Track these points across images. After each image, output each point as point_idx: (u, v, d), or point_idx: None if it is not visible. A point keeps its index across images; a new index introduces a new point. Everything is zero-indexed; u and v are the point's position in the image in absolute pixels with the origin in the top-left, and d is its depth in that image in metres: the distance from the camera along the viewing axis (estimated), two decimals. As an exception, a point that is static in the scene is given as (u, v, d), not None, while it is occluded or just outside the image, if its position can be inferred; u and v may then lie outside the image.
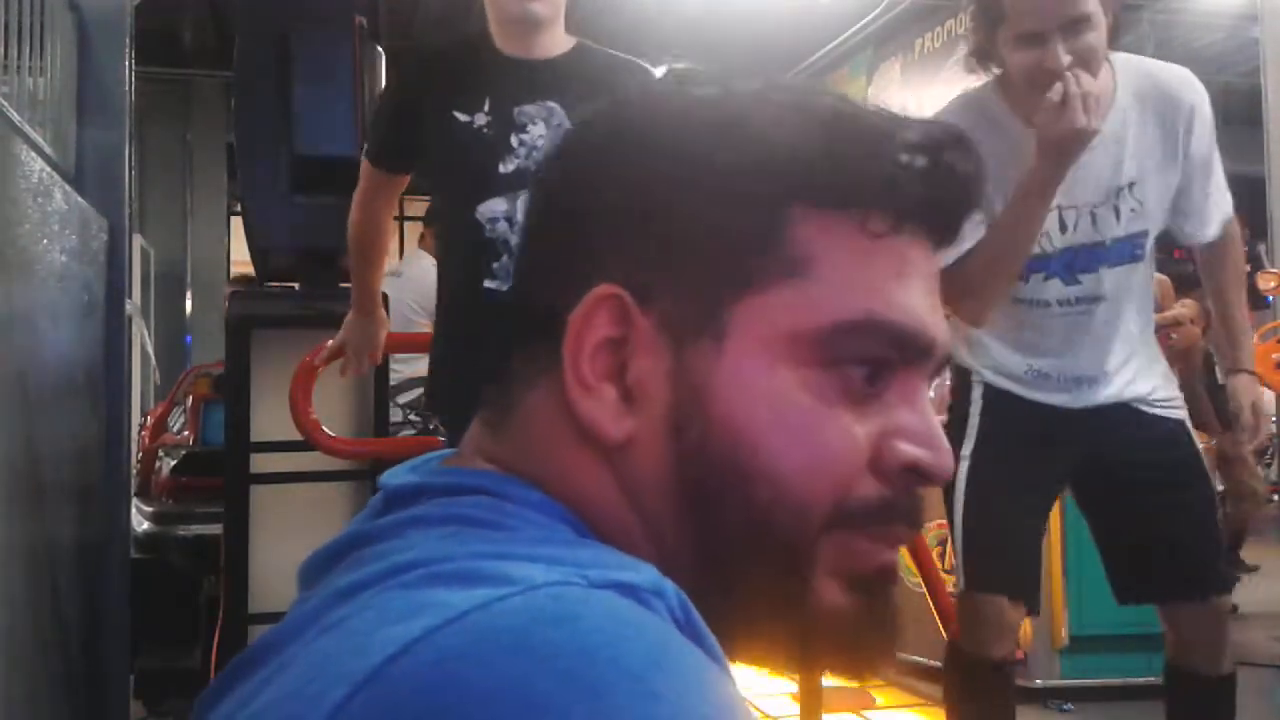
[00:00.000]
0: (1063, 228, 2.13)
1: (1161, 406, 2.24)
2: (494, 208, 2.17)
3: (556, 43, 2.25)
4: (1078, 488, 2.32)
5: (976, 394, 2.26)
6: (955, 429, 2.23)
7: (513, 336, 0.60)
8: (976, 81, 2.22)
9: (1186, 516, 2.22)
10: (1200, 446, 2.32)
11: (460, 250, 2.23)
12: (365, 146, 2.40)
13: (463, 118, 2.19)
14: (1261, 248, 5.68)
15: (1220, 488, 5.48)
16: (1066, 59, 1.96)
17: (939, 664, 2.47)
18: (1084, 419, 2.21)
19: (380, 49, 3.40)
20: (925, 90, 6.45)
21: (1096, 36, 1.99)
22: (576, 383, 0.55)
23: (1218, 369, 5.63)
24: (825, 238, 0.55)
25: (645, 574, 0.48)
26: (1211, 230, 2.23)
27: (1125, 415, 2.21)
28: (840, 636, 0.56)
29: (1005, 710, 2.31)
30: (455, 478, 0.57)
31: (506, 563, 0.47)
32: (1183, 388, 2.37)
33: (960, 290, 2.07)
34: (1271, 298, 5.38)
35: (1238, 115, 8.41)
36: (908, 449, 0.56)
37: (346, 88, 3.16)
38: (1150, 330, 2.30)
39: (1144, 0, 8.02)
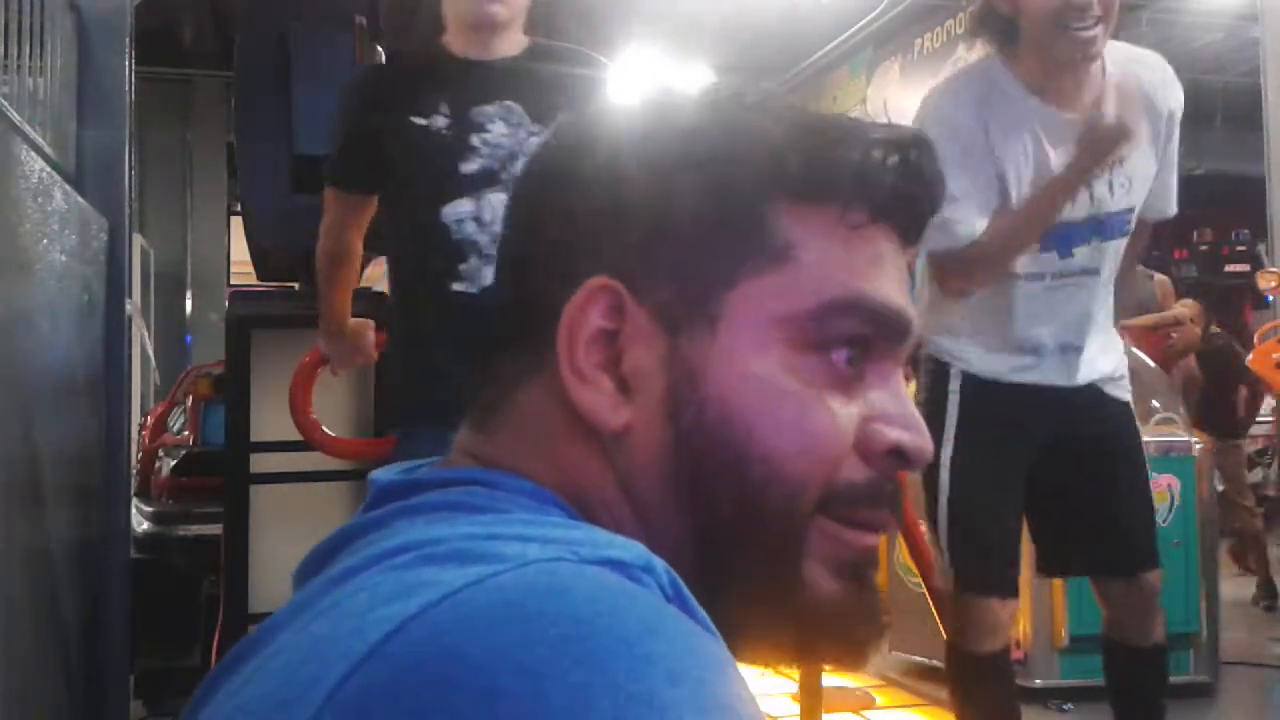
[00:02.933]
0: None
1: (1119, 387, 2.33)
2: (460, 209, 2.15)
3: (512, 43, 2.25)
4: (1034, 471, 2.35)
5: (954, 386, 2.29)
6: (930, 427, 2.25)
7: (495, 336, 0.61)
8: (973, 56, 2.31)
9: (1129, 496, 2.32)
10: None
11: (426, 255, 2.19)
12: (328, 176, 2.35)
13: (420, 122, 2.17)
14: (1261, 247, 5.68)
15: (1221, 488, 5.50)
16: None
17: (938, 663, 2.48)
18: (1055, 403, 2.26)
19: (380, 48, 3.40)
20: (924, 90, 6.44)
21: None
22: (572, 373, 0.56)
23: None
24: (805, 228, 0.57)
25: (634, 551, 0.49)
26: (1172, 208, 2.36)
27: (1091, 397, 2.29)
28: (830, 623, 0.58)
29: (1009, 698, 2.38)
30: (446, 473, 0.58)
31: (498, 542, 0.48)
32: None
33: (962, 270, 2.15)
34: (1271, 297, 5.38)
35: (1237, 115, 8.41)
36: (890, 432, 0.58)
37: (347, 88, 3.15)
38: (1112, 306, 2.37)
39: (1143, 0, 8.02)
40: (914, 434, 0.59)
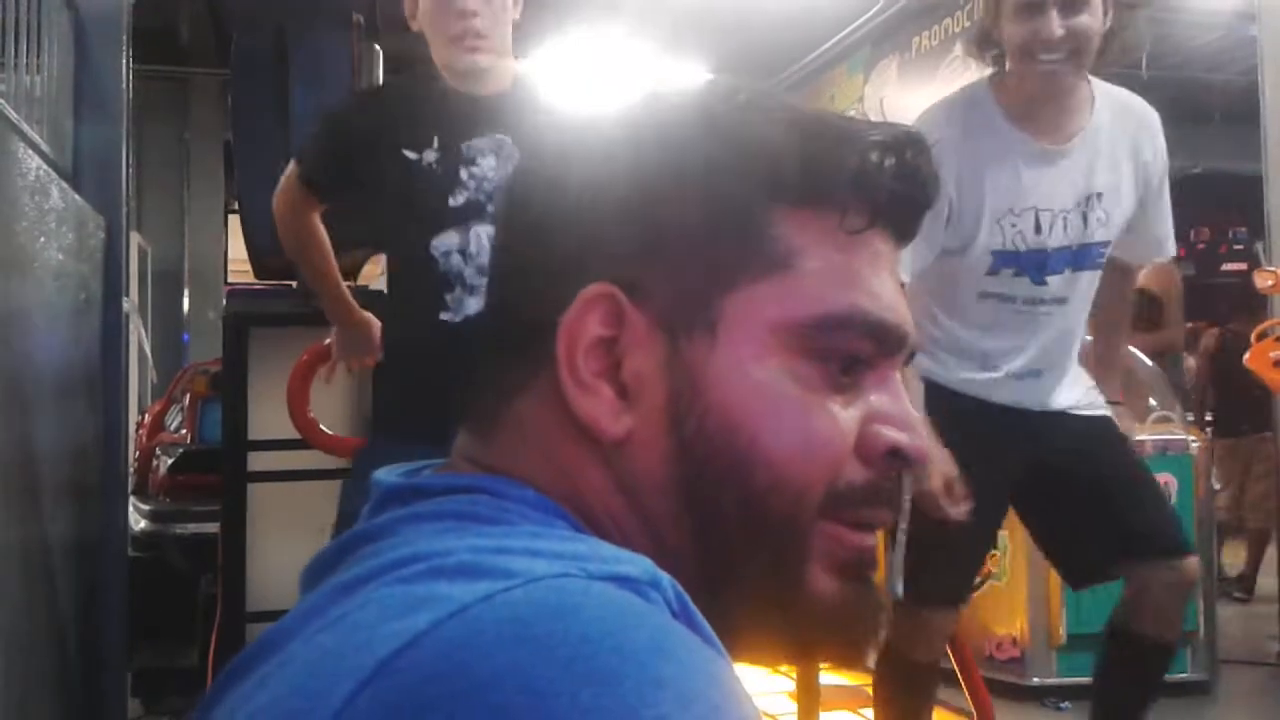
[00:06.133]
0: (1037, 229, 2.23)
1: (1086, 409, 2.36)
2: (447, 241, 2.19)
3: (502, 77, 2.28)
4: (1020, 494, 2.37)
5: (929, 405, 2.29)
6: None
7: (492, 347, 0.61)
8: (971, 77, 2.35)
9: (1137, 487, 2.33)
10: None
11: (415, 285, 2.24)
12: (299, 164, 2.37)
13: (411, 155, 2.21)
14: (1259, 246, 5.68)
15: (1218, 486, 5.50)
16: (1060, 32, 2.09)
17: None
18: (1024, 423, 2.30)
19: (378, 47, 3.40)
20: (922, 88, 6.45)
21: (1091, 21, 2.12)
22: (573, 382, 0.56)
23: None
24: (805, 234, 0.57)
25: (641, 566, 0.49)
26: (1163, 253, 2.41)
27: (1060, 421, 2.33)
28: (833, 623, 0.59)
29: (930, 704, 2.44)
30: (450, 479, 0.58)
31: (506, 556, 0.47)
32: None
33: None
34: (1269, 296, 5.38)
35: (1235, 114, 8.41)
36: (889, 433, 0.58)
37: (344, 87, 3.16)
38: (1078, 339, 2.41)
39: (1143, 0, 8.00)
40: (912, 435, 0.59)
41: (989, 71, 2.30)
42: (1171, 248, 2.42)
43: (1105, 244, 2.28)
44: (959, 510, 2.11)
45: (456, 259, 2.19)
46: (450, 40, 2.20)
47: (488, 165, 2.21)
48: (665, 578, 0.49)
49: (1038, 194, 2.22)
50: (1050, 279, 2.26)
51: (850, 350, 0.57)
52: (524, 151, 2.18)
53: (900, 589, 2.23)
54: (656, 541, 0.56)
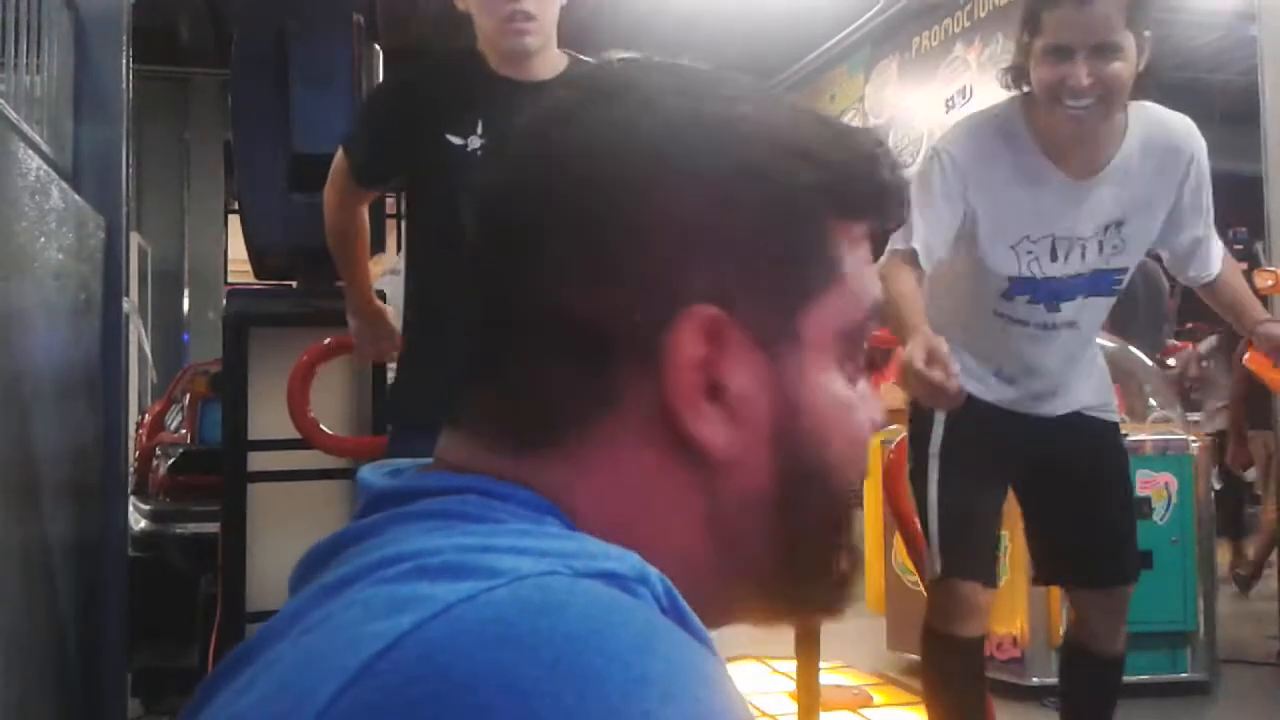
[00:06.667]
0: (1054, 257, 2.24)
1: (1100, 411, 2.41)
2: None
3: (549, 64, 2.24)
4: (1022, 485, 2.46)
5: None
6: (920, 428, 2.36)
7: (541, 351, 0.56)
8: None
9: (1113, 514, 2.41)
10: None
11: (455, 267, 2.18)
12: (347, 156, 2.36)
13: (456, 141, 2.18)
14: (1259, 246, 5.67)
15: (1217, 486, 5.50)
16: (1087, 81, 2.06)
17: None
18: (1037, 424, 2.34)
19: (378, 47, 3.40)
20: (922, 88, 6.46)
21: (1124, 68, 2.08)
22: (686, 404, 0.54)
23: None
24: (842, 241, 0.60)
25: (629, 562, 0.48)
26: (1215, 268, 2.37)
27: (1072, 420, 2.37)
28: (842, 590, 0.63)
29: (982, 684, 2.48)
30: (441, 479, 0.56)
31: (491, 555, 0.47)
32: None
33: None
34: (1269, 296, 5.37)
35: (1235, 114, 8.41)
36: (874, 415, 0.62)
37: (344, 86, 3.16)
38: (1096, 348, 2.46)
39: None
40: (878, 411, 0.62)
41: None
42: (1211, 267, 2.36)
43: (1122, 270, 2.29)
44: (943, 376, 1.96)
45: None
46: (498, 21, 2.17)
47: None
48: (654, 573, 0.48)
49: (1058, 223, 2.21)
50: (1064, 305, 2.27)
51: (869, 341, 0.61)
52: (576, 155, 2.12)
53: (939, 566, 2.34)
54: (727, 561, 0.57)
